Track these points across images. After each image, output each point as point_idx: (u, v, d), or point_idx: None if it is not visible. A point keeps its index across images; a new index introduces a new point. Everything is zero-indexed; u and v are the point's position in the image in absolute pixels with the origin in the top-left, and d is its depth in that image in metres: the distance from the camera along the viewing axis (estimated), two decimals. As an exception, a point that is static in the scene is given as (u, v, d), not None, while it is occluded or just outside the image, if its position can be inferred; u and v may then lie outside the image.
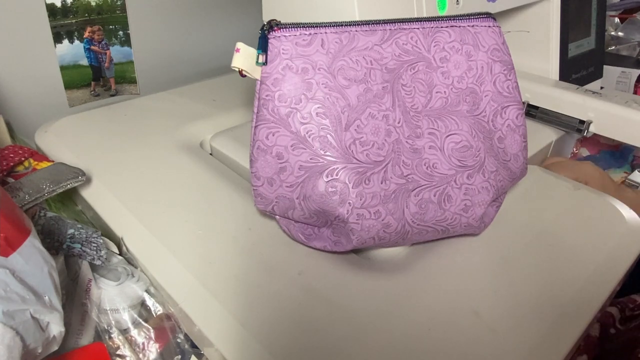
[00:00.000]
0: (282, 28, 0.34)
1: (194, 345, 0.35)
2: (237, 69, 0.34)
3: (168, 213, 0.42)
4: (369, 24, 0.36)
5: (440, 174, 0.36)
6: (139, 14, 0.64)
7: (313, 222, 0.37)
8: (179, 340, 0.35)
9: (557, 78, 0.63)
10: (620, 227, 0.42)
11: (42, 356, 0.27)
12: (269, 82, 0.34)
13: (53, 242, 0.36)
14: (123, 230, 0.40)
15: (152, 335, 0.34)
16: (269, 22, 0.34)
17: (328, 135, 0.34)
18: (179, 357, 0.34)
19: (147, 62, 0.68)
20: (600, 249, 0.40)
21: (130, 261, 0.39)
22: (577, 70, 0.65)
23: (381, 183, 0.34)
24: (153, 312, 0.36)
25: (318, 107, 0.34)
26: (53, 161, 0.47)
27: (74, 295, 0.34)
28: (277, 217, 0.39)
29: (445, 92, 0.37)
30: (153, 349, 0.34)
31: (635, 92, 0.75)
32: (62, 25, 0.58)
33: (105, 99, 0.66)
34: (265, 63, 0.34)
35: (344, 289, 0.35)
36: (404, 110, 0.36)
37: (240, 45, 0.34)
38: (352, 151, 0.34)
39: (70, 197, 0.47)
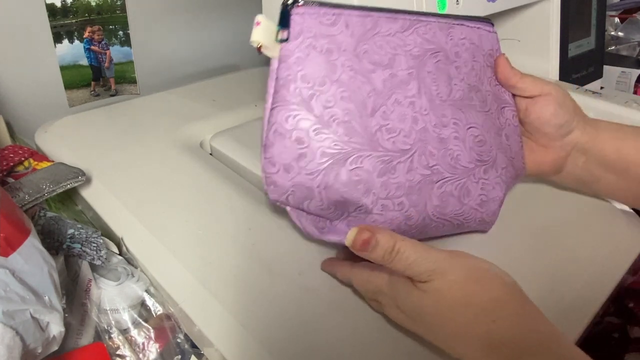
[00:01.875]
0: (307, 5, 0.32)
1: (194, 345, 0.35)
2: (256, 44, 0.31)
3: (168, 213, 0.42)
4: (390, 12, 0.35)
5: (463, 167, 0.36)
6: (139, 14, 0.64)
7: (328, 214, 0.35)
8: (179, 340, 0.35)
9: (557, 78, 0.63)
10: (620, 227, 0.42)
11: (42, 356, 0.27)
12: (291, 60, 0.31)
13: (53, 242, 0.36)
14: (123, 230, 0.40)
15: (152, 335, 0.34)
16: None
17: (353, 121, 0.32)
18: (179, 357, 0.34)
19: (147, 62, 0.68)
20: (600, 249, 0.40)
21: (130, 261, 0.39)
22: (577, 70, 0.65)
23: (407, 173, 0.33)
24: (153, 312, 0.36)
25: (342, 91, 0.32)
26: (53, 161, 0.47)
27: (74, 295, 0.34)
28: (289, 208, 0.35)
29: (460, 85, 0.37)
30: (153, 349, 0.34)
31: (635, 92, 0.75)
32: (62, 25, 0.58)
33: (105, 99, 0.66)
34: (287, 40, 0.31)
35: (344, 289, 0.35)
36: (430, 98, 0.35)
37: (260, 17, 0.32)
38: (377, 138, 0.33)
39: (70, 197, 0.47)
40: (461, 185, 0.35)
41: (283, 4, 0.32)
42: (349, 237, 0.30)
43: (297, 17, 0.31)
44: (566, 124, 0.39)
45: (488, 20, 0.39)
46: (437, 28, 0.37)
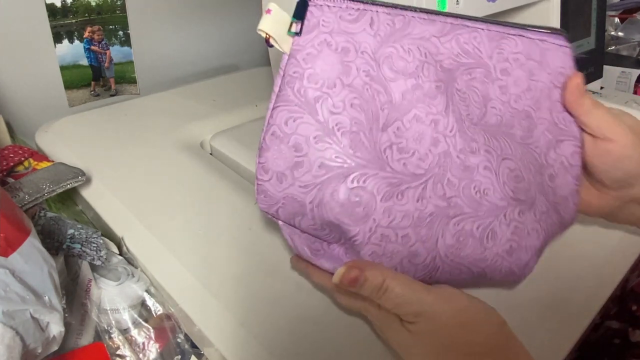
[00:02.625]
0: None
1: (194, 345, 0.35)
2: (263, 34, 0.28)
3: (168, 213, 0.42)
4: (427, 12, 0.30)
5: (490, 203, 0.30)
6: (139, 14, 0.64)
7: (324, 236, 0.31)
8: (179, 340, 0.35)
9: (557, 78, 0.63)
10: (620, 228, 0.42)
11: (42, 356, 0.27)
12: (300, 56, 0.28)
13: (53, 242, 0.36)
14: (123, 230, 0.40)
15: (152, 335, 0.34)
16: None
17: (361, 133, 0.28)
18: (179, 357, 0.34)
19: (147, 62, 0.68)
20: (599, 250, 0.40)
21: (130, 261, 0.39)
22: (577, 70, 0.65)
23: (417, 201, 0.29)
24: (153, 312, 0.36)
25: (354, 97, 0.28)
26: (53, 161, 0.47)
27: (74, 295, 0.34)
28: (281, 223, 0.32)
29: (500, 109, 0.32)
30: (153, 349, 0.34)
31: (635, 92, 0.75)
32: (62, 25, 0.58)
33: (105, 99, 0.66)
34: (299, 33, 0.28)
35: (344, 289, 0.35)
36: (458, 118, 0.30)
37: (272, 6, 0.28)
38: (386, 157, 0.29)
39: (70, 197, 0.47)
40: (485, 225, 0.30)
41: None
42: (337, 275, 0.28)
43: (315, 9, 0.28)
44: (625, 179, 0.32)
45: (558, 30, 0.33)
46: (486, 37, 0.31)
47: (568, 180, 0.33)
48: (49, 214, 0.38)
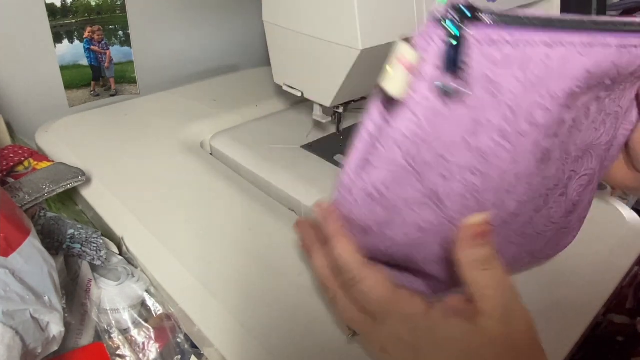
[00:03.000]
0: (478, 20, 0.19)
1: (194, 345, 0.35)
2: (386, 93, 0.21)
3: (168, 213, 0.42)
4: (586, 29, 0.21)
5: (552, 224, 0.29)
6: (139, 14, 0.64)
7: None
8: (179, 340, 0.35)
9: (557, 78, 0.62)
10: (620, 227, 0.42)
11: (42, 356, 0.27)
12: (422, 113, 0.21)
13: (53, 242, 0.36)
14: (123, 230, 0.40)
15: (152, 335, 0.34)
16: (462, 6, 0.19)
17: (472, 199, 0.23)
18: (179, 357, 0.34)
19: (147, 62, 0.68)
20: (600, 249, 0.40)
21: (130, 261, 0.39)
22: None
23: (498, 245, 0.25)
24: (153, 312, 0.36)
25: (476, 162, 0.22)
26: (53, 161, 0.47)
27: (74, 295, 0.34)
28: None
29: (600, 121, 0.27)
30: (153, 349, 0.34)
31: (635, 92, 0.75)
32: (62, 25, 0.58)
33: (105, 99, 0.66)
34: (453, 93, 0.20)
35: (344, 289, 0.35)
36: (560, 166, 0.26)
37: (405, 50, 0.20)
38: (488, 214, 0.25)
39: (70, 197, 0.47)
40: (539, 242, 0.30)
41: (445, 17, 0.19)
42: (470, 220, 0.24)
43: (473, 50, 0.20)
44: None
45: None
46: (632, 58, 0.23)
47: (609, 159, 0.31)
48: (49, 214, 0.38)
